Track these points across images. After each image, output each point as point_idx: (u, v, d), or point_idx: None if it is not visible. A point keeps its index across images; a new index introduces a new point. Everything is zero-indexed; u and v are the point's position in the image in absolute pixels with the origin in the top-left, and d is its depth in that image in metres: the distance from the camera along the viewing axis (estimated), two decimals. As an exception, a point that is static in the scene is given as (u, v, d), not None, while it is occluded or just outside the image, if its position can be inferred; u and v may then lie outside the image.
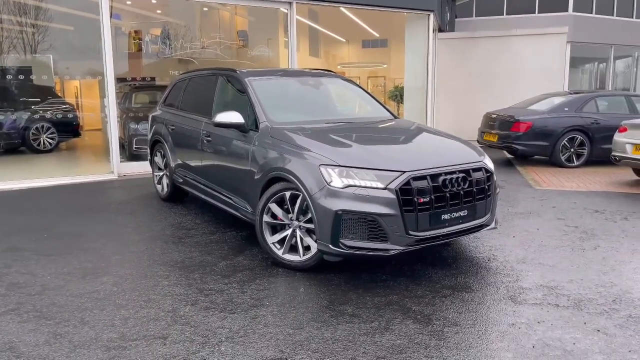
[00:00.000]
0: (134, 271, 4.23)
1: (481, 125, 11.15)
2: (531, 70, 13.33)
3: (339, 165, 3.84)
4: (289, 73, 5.76)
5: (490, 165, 4.37)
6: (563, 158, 9.85)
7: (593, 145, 9.88)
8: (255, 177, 4.46)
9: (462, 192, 4.01)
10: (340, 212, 3.75)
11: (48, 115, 11.82)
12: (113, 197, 7.11)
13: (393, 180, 3.76)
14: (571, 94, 10.88)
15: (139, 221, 5.79)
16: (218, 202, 5.28)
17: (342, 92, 5.69)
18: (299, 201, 4.05)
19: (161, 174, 6.66)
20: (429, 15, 11.62)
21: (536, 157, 10.49)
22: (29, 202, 6.82)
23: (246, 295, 3.77)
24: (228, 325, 3.30)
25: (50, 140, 11.72)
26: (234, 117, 4.69)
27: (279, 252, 4.25)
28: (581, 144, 9.86)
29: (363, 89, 5.74)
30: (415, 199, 3.78)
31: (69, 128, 12.24)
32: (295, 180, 4.01)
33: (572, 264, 4.41)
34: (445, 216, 3.95)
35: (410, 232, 3.80)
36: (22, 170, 9.28)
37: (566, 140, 9.82)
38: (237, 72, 5.26)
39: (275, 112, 4.81)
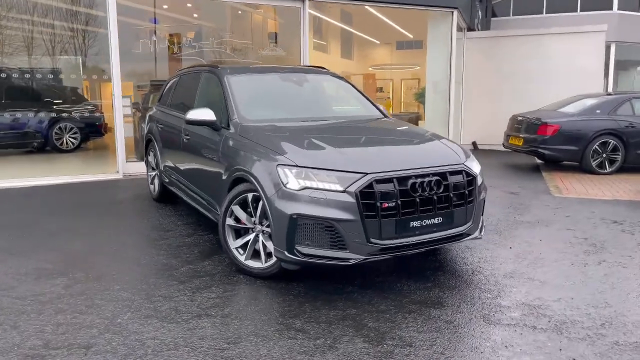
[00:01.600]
0: (90, 274, 4.05)
1: (507, 128, 10.57)
2: (566, 71, 12.56)
3: (297, 166, 3.54)
4: (276, 70, 5.49)
5: (474, 168, 3.96)
6: (594, 164, 9.16)
7: (628, 151, 9.14)
8: (223, 178, 4.21)
9: (435, 197, 3.63)
10: (295, 217, 3.45)
11: (71, 115, 12.01)
12: (109, 196, 7.03)
13: (353, 183, 3.43)
14: (606, 95, 10.15)
15: (123, 222, 5.66)
16: (195, 203, 5.07)
17: (330, 90, 5.38)
18: (260, 204, 3.77)
19: (154, 173, 6.53)
20: (452, 12, 11.11)
21: (567, 162, 9.81)
22: (25, 200, 6.82)
23: (194, 303, 3.51)
24: (161, 337, 3.05)
25: (72, 140, 11.89)
26: (205, 114, 4.47)
27: (241, 258, 3.98)
28: (614, 149, 9.13)
29: (354, 87, 5.40)
30: (378, 204, 3.43)
31: (92, 128, 12.41)
32: (254, 181, 3.74)
33: (567, 281, 3.94)
34: (415, 223, 3.58)
35: (372, 240, 3.45)
36: (34, 169, 9.41)
37: (598, 145, 9.12)
38: (217, 68, 5.05)
39: (250, 109, 4.55)
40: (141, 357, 2.83)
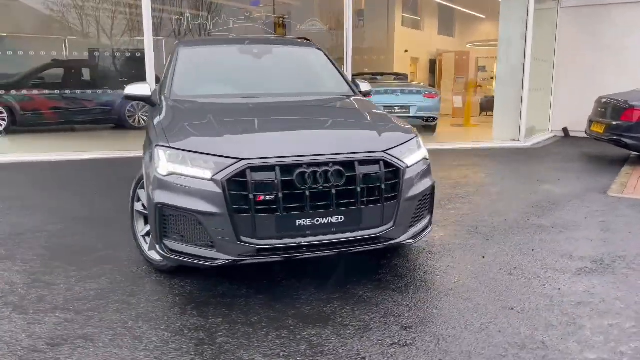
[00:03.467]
0: None
1: (591, 113, 8.99)
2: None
3: (171, 148, 3.06)
4: (243, 41, 4.97)
5: (402, 158, 3.18)
6: (692, 158, 7.46)
7: None
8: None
9: (334, 191, 2.95)
10: (160, 206, 2.99)
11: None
12: (120, 174, 7.05)
13: (222, 170, 2.87)
14: None
15: (99, 201, 5.57)
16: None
17: (301, 64, 4.73)
18: (153, 188, 3.35)
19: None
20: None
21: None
22: (42, 173, 7.11)
23: (63, 295, 3.22)
24: (-8, 328, 2.80)
25: (145, 118, 12.38)
26: (141, 89, 4.14)
27: (145, 248, 3.62)
28: None
29: (331, 61, 4.72)
30: (252, 196, 2.85)
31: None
32: (144, 163, 3.34)
33: (484, 314, 3.04)
34: (304, 221, 2.94)
35: (244, 239, 2.89)
36: (86, 144, 9.88)
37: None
38: (178, 41, 4.69)
39: (188, 84, 4.15)
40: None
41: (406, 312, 2.97)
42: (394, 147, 3.20)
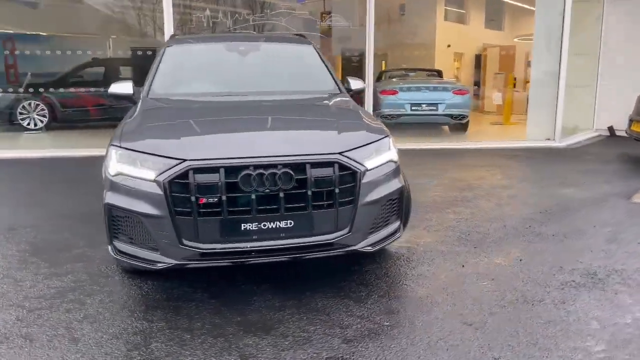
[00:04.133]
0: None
1: (632, 112, 8.37)
2: None
3: (122, 148, 3.02)
4: (232, 39, 4.91)
5: (362, 160, 3.01)
6: None
7: None
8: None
9: (282, 195, 2.82)
10: (108, 207, 2.97)
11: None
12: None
13: (165, 171, 2.81)
14: None
15: (90, 195, 5.65)
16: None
17: (288, 62, 4.58)
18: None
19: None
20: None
21: None
22: (78, 168, 7.34)
23: (21, 293, 3.24)
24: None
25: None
26: (124, 87, 4.13)
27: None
28: None
29: (322, 59, 4.56)
30: (194, 198, 2.77)
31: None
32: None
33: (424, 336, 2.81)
34: (250, 226, 2.83)
35: (186, 243, 2.82)
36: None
37: None
38: (169, 39, 4.69)
39: (168, 82, 4.12)
40: None
41: (355, 324, 2.81)
42: (354, 149, 3.04)
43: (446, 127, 11.41)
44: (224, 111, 3.67)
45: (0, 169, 7.29)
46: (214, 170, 2.80)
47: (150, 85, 4.07)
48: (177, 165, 2.80)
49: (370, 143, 3.17)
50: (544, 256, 3.79)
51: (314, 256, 3.04)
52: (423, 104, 9.94)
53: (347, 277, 3.43)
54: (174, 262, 2.86)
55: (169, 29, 8.15)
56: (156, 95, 3.96)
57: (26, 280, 3.43)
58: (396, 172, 3.25)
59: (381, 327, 2.78)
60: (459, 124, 10.53)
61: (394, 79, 11.61)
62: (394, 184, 3.21)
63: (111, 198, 2.95)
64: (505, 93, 13.84)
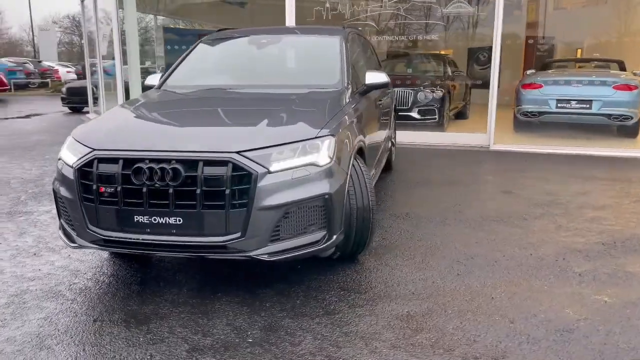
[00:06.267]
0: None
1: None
2: None
3: (71, 136, 3.29)
4: (263, 32, 4.85)
5: (264, 161, 2.77)
6: None
7: None
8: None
9: (172, 191, 2.77)
10: (54, 190, 3.27)
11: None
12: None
13: (80, 159, 2.99)
14: None
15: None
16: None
17: (304, 55, 4.41)
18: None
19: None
20: None
21: None
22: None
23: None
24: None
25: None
26: (153, 79, 4.47)
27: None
28: None
29: (343, 53, 4.19)
30: (95, 186, 2.90)
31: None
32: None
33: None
34: (141, 218, 2.84)
35: (91, 228, 2.96)
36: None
37: None
38: (213, 33, 4.92)
39: (186, 75, 4.39)
40: None
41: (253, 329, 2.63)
42: (259, 148, 2.82)
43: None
44: (195, 104, 3.74)
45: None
46: (114, 160, 2.88)
47: (167, 77, 4.32)
48: (87, 154, 2.97)
49: (291, 142, 2.91)
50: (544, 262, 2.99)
51: (208, 257, 2.92)
52: (573, 100, 8.44)
53: (296, 284, 3.19)
54: (85, 244, 3.03)
55: (290, 21, 8.41)
56: (168, 87, 4.24)
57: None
58: (318, 177, 2.90)
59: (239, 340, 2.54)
60: (624, 127, 8.68)
61: (550, 70, 10.06)
62: (314, 189, 2.88)
63: (55, 182, 3.25)
64: None
